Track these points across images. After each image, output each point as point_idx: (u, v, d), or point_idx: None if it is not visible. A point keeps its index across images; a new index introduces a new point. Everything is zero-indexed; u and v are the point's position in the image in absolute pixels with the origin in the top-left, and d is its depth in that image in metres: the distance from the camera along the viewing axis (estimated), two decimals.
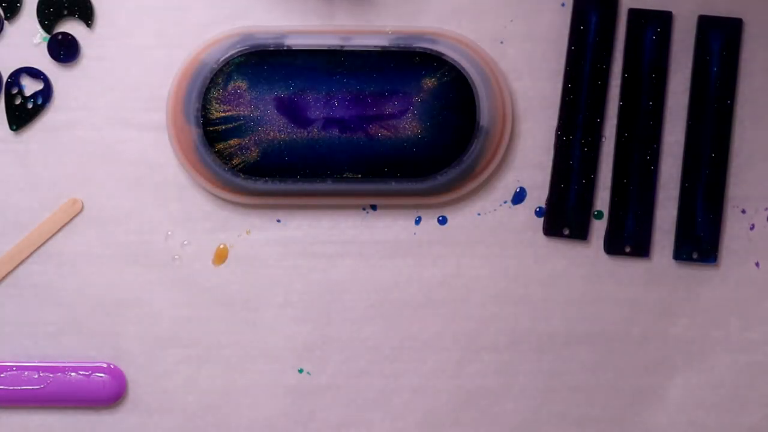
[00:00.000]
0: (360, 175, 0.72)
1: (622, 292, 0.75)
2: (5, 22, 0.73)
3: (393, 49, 0.72)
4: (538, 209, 0.74)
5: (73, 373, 0.73)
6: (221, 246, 0.74)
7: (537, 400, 0.75)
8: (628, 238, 0.74)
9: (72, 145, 0.73)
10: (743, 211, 0.75)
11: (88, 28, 0.73)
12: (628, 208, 0.74)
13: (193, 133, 0.72)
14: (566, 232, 0.74)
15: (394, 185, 0.72)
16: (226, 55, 0.72)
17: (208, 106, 0.72)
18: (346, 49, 0.72)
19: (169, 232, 0.74)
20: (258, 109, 0.72)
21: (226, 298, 0.74)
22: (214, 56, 0.72)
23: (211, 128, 0.72)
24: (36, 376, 0.73)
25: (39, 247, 0.73)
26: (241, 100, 0.72)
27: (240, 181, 0.72)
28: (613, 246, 0.74)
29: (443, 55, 0.71)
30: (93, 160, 0.73)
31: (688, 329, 0.75)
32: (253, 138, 0.72)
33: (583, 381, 0.75)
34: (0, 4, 0.72)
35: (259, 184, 0.72)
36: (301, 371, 0.75)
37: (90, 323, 0.74)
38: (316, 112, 0.72)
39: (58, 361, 0.74)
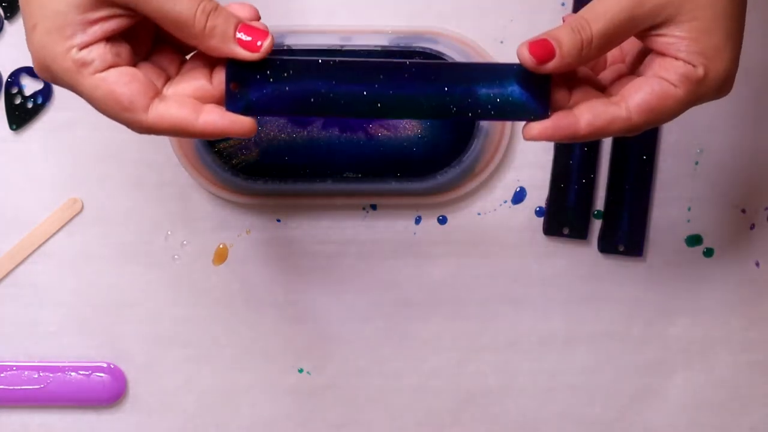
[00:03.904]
0: (360, 175, 0.72)
1: (622, 292, 0.75)
2: (5, 22, 0.73)
3: (393, 48, 0.72)
4: (538, 209, 0.74)
5: (73, 373, 0.73)
6: (221, 246, 0.74)
7: (537, 400, 0.75)
8: (622, 238, 0.74)
9: (72, 145, 0.73)
10: (743, 211, 0.75)
11: None
12: (623, 208, 0.74)
13: None
14: (566, 232, 0.74)
15: (394, 185, 0.72)
16: None
17: None
18: (346, 49, 0.72)
19: (169, 232, 0.74)
20: None
21: (226, 298, 0.74)
22: None
23: None
24: (36, 376, 0.73)
25: (39, 247, 0.73)
26: None
27: (240, 181, 0.72)
28: (607, 245, 0.74)
29: (443, 55, 0.71)
30: (93, 160, 0.73)
31: (688, 329, 0.75)
32: (253, 138, 0.72)
33: (583, 381, 0.75)
34: (0, 4, 0.72)
35: (259, 184, 0.72)
36: (301, 371, 0.75)
37: (90, 323, 0.74)
38: None
39: (58, 361, 0.74)
